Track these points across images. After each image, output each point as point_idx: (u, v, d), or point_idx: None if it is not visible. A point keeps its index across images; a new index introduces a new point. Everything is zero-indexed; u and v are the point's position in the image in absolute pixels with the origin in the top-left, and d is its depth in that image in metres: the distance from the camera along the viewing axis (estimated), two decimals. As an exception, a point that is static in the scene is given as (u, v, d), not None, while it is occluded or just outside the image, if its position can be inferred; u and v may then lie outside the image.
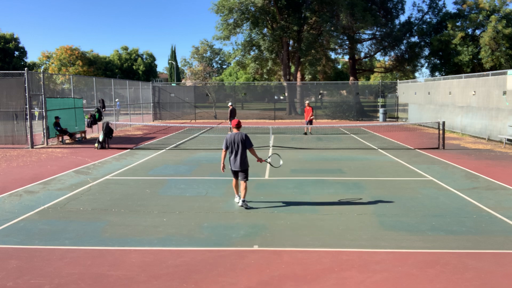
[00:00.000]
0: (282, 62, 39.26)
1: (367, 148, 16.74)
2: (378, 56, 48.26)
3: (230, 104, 23.10)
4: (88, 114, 21.22)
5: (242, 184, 8.07)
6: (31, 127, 16.91)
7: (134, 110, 31.54)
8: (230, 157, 8.13)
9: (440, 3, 44.71)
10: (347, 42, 41.89)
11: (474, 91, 20.23)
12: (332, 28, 36.59)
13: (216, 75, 65.18)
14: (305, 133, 22.55)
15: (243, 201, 8.07)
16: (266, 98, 45.61)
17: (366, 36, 44.03)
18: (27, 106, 16.65)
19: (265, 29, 39.32)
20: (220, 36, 38.00)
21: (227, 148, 8.05)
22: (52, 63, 56.32)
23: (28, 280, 5.03)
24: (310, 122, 22.14)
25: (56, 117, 18.12)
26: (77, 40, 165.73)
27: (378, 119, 33.74)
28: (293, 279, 5.04)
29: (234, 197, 8.62)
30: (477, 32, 39.72)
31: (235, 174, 8.22)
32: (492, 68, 35.26)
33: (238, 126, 8.19)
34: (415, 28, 41.97)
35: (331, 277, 5.09)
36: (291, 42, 39.00)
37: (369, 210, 7.85)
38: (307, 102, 22.66)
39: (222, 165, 8.14)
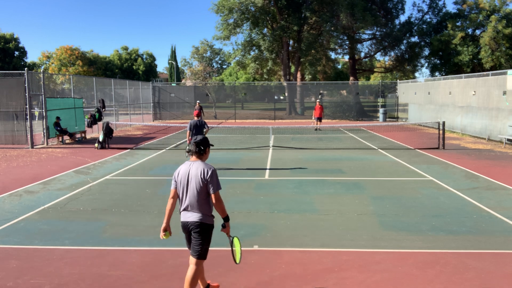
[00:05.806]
0: (282, 62, 39.24)
1: (367, 148, 16.74)
2: (378, 56, 48.20)
3: (198, 101, 29.61)
4: (88, 114, 21.22)
5: None
6: (31, 127, 16.91)
7: (134, 110, 31.54)
8: (193, 136, 10.87)
9: (440, 3, 44.64)
10: (347, 42, 41.82)
11: (474, 91, 20.22)
12: (332, 28, 36.56)
13: (216, 75, 65.11)
14: (316, 129, 24.53)
15: None
16: (266, 98, 45.63)
17: (366, 36, 43.99)
18: (27, 106, 16.66)
19: (265, 29, 39.28)
20: (220, 36, 37.99)
21: (191, 129, 11.26)
22: (52, 63, 56.27)
23: (28, 280, 5.03)
24: (320, 119, 24.12)
25: (57, 117, 18.11)
26: (77, 40, 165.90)
27: (378, 119, 33.73)
28: (293, 279, 5.04)
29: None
30: (477, 32, 39.67)
31: None
32: (492, 68, 35.23)
33: (198, 115, 12.11)
34: (415, 28, 41.90)
35: (331, 277, 5.09)
36: (291, 42, 38.97)
37: (369, 210, 7.85)
38: (318, 100, 25.95)
39: (188, 139, 11.33)
